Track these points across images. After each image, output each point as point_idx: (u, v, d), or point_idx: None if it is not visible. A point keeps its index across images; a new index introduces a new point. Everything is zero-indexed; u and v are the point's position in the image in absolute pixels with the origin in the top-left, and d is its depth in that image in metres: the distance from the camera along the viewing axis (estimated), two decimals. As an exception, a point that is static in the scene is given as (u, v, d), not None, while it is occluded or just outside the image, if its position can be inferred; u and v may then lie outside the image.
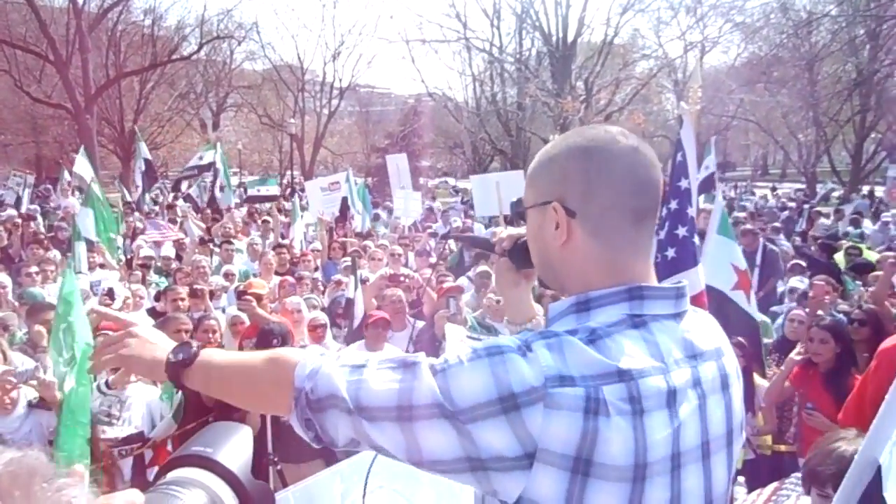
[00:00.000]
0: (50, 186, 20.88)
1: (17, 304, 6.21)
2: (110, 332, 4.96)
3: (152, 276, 7.91)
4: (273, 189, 15.25)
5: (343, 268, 7.52)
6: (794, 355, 4.54)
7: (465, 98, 32.41)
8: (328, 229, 9.92)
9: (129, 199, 14.98)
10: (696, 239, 4.17)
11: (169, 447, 4.54)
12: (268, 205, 14.33)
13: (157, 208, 14.40)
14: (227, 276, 7.65)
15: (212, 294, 6.67)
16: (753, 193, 28.36)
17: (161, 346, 1.29)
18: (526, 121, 27.44)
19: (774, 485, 2.77)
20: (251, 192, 15.06)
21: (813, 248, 10.27)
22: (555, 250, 1.17)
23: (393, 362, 1.07)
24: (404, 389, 1.02)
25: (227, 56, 34.87)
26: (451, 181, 36.81)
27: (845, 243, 10.54)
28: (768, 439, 4.56)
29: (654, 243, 1.20)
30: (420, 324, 5.83)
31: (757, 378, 4.69)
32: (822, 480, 2.10)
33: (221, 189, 13.51)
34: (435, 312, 5.55)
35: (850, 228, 13.92)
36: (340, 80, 35.44)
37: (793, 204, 20.77)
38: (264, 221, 11.44)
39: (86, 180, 11.70)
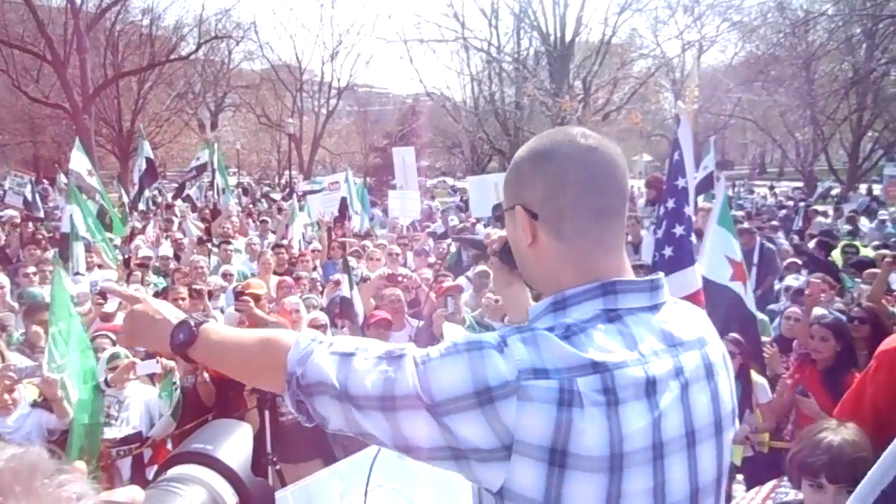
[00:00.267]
0: (48, 187, 20.84)
1: (15, 304, 6.21)
2: (109, 334, 4.97)
3: (150, 277, 7.91)
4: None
5: (341, 268, 7.52)
6: (787, 378, 4.59)
7: (464, 98, 32.43)
8: (327, 229, 9.92)
9: (125, 199, 14.95)
10: (694, 238, 4.18)
11: (169, 446, 4.54)
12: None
13: (154, 208, 14.39)
14: (226, 276, 7.64)
15: (210, 294, 6.67)
16: (752, 192, 28.38)
17: (166, 321, 1.31)
18: (524, 120, 27.44)
19: (773, 482, 2.78)
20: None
21: (810, 245, 10.28)
22: (526, 252, 1.21)
23: (380, 353, 1.10)
24: (388, 380, 1.05)
25: (226, 56, 34.85)
26: (450, 181, 36.80)
27: (843, 241, 10.57)
28: (766, 436, 4.57)
29: (622, 238, 1.20)
30: (418, 323, 5.84)
31: (755, 375, 4.70)
32: (815, 471, 2.12)
33: (222, 191, 13.48)
34: (433, 312, 5.55)
35: (846, 226, 13.95)
36: (338, 80, 35.47)
37: (790, 202, 20.81)
38: (262, 221, 11.44)
39: (83, 175, 11.66)
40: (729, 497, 3.20)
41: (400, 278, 6.74)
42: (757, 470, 4.46)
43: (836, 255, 9.17)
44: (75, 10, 23.16)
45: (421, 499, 2.60)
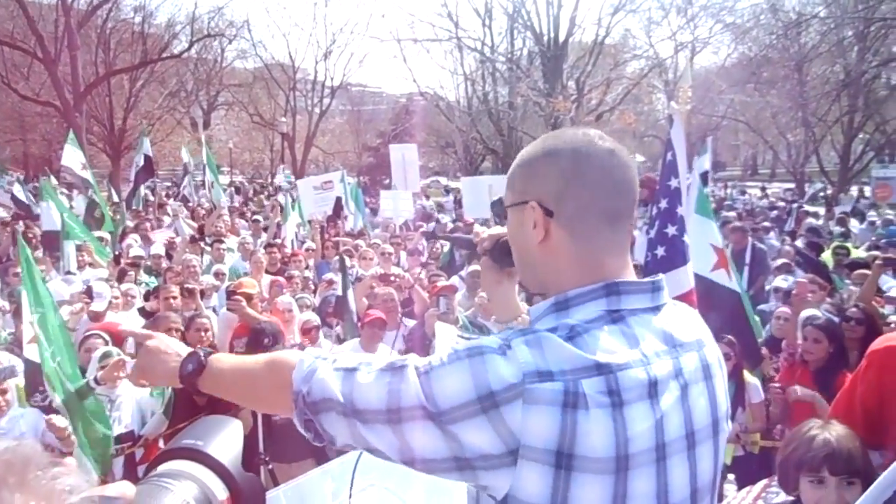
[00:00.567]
0: (38, 185, 20.72)
1: (5, 303, 6.17)
2: (101, 333, 4.94)
3: (142, 276, 7.88)
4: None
5: (335, 268, 7.51)
6: (777, 379, 4.63)
7: (457, 97, 32.42)
8: (320, 229, 9.91)
9: (115, 199, 14.88)
10: (686, 238, 4.19)
11: (161, 444, 4.53)
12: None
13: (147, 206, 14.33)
14: (218, 275, 7.62)
15: (202, 293, 6.65)
16: (744, 193, 28.50)
17: (175, 355, 1.34)
18: (517, 120, 27.46)
19: (764, 482, 2.79)
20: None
21: (799, 245, 10.33)
22: (533, 249, 1.20)
23: (383, 366, 1.10)
24: (392, 392, 1.06)
25: (218, 54, 34.74)
26: (443, 180, 36.76)
27: (836, 243, 10.61)
28: (757, 436, 4.60)
29: (629, 241, 1.22)
30: (411, 323, 5.84)
31: (747, 375, 4.72)
32: (816, 465, 2.12)
33: (210, 186, 13.42)
34: (426, 311, 5.56)
35: (836, 228, 14.03)
36: (332, 79, 35.35)
37: (782, 203, 20.90)
38: (254, 221, 11.41)
39: (75, 170, 11.57)
40: (720, 496, 3.20)
41: (392, 278, 6.74)
42: (748, 469, 4.48)
43: (827, 256, 9.22)
44: (66, 7, 23.03)
45: (413, 498, 2.60)
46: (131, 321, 6.01)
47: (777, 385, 4.58)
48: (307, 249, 9.12)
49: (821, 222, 14.93)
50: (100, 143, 27.73)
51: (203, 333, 5.04)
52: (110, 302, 5.93)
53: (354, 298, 6.10)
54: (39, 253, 8.31)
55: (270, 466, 4.17)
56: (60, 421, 3.85)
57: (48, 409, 4.03)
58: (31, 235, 9.65)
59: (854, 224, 14.93)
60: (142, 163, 14.45)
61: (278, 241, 9.76)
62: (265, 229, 10.78)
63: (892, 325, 5.00)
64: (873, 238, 12.39)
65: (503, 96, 29.20)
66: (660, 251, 4.09)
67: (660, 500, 1.06)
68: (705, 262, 4.78)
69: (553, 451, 0.98)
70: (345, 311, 6.11)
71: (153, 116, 29.73)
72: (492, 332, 4.65)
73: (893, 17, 19.14)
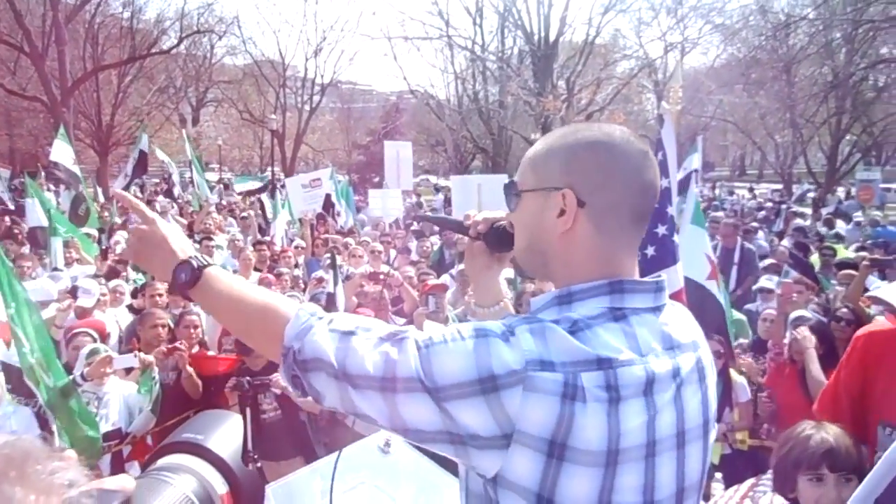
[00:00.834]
0: (25, 181, 20.55)
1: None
2: (88, 330, 4.91)
3: (130, 273, 7.82)
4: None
5: (325, 265, 7.49)
6: (765, 379, 4.66)
7: (447, 96, 32.45)
8: (310, 226, 9.89)
9: (101, 198, 14.78)
10: (676, 237, 4.21)
11: (149, 441, 4.51)
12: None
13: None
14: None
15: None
16: (732, 194, 28.67)
17: (170, 253, 1.28)
18: (508, 119, 27.51)
19: (751, 481, 2.80)
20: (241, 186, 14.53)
21: (786, 244, 10.41)
22: (552, 237, 1.18)
23: (382, 334, 1.09)
24: (389, 361, 1.05)
25: (208, 50, 34.59)
26: (433, 179, 36.80)
27: (828, 243, 10.69)
28: (745, 435, 4.63)
29: (640, 243, 1.23)
30: (401, 321, 5.84)
31: (734, 374, 4.75)
32: (815, 463, 2.13)
33: (190, 184, 13.37)
34: (415, 310, 5.56)
35: (824, 229, 14.14)
36: (322, 77, 35.26)
37: (769, 204, 21.03)
38: (243, 218, 11.37)
39: (66, 165, 11.46)
40: (707, 496, 3.23)
41: (382, 276, 6.73)
42: (735, 468, 4.51)
43: (816, 258, 9.29)
44: (54, 1, 22.82)
45: (403, 495, 2.60)
46: (120, 317, 5.97)
47: (765, 395, 4.62)
48: (296, 247, 9.10)
49: (808, 223, 15.05)
50: (87, 139, 27.52)
51: (192, 330, 5.02)
52: (98, 299, 5.89)
53: (344, 296, 6.09)
54: (26, 249, 8.24)
55: (259, 464, 4.15)
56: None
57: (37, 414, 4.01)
58: (16, 231, 9.59)
59: (840, 225, 15.05)
60: (137, 158, 14.37)
61: (267, 238, 9.73)
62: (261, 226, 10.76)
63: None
64: (861, 239, 12.51)
65: (493, 95, 29.23)
66: (650, 251, 4.10)
67: (646, 495, 1.06)
68: (700, 271, 4.81)
69: (547, 440, 0.99)
70: (332, 308, 6.10)
71: (142, 112, 29.55)
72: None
73: (881, 19, 19.28)
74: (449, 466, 2.34)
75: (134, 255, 1.37)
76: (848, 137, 28.54)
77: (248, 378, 4.41)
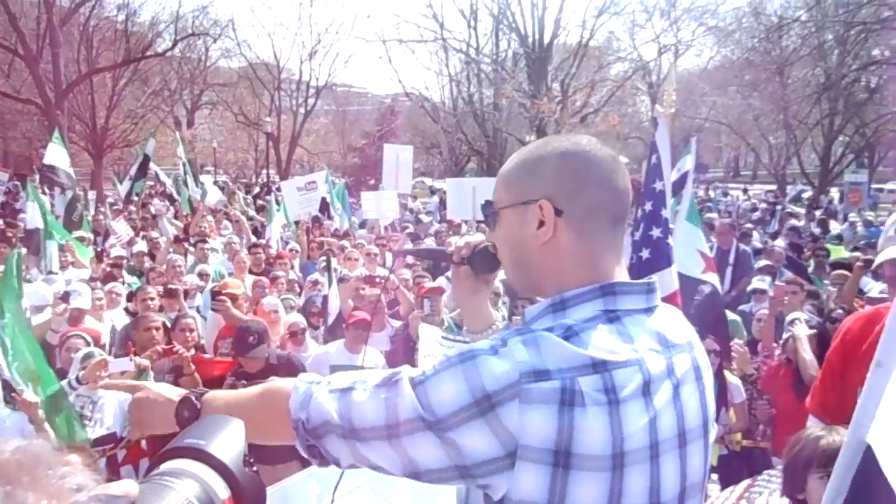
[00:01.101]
0: (18, 184, 20.46)
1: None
2: (82, 334, 4.89)
3: (125, 276, 7.81)
4: None
5: (321, 267, 7.48)
6: (758, 381, 4.67)
7: (442, 98, 32.39)
8: (305, 229, 9.88)
9: (91, 198, 14.74)
10: (670, 240, 4.22)
11: (143, 445, 4.49)
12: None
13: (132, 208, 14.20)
14: (202, 275, 7.57)
15: (186, 293, 6.60)
16: (727, 195, 28.76)
17: (167, 403, 1.31)
18: (502, 122, 27.54)
19: (747, 482, 2.82)
20: None
21: (780, 243, 10.45)
22: (533, 249, 1.19)
23: (377, 381, 1.10)
24: (390, 407, 1.05)
25: (203, 53, 34.45)
26: (428, 181, 36.77)
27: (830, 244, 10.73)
28: (739, 436, 4.64)
29: (623, 243, 1.25)
30: (398, 324, 5.84)
31: (729, 375, 4.76)
32: (826, 460, 2.13)
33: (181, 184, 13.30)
34: (411, 313, 5.56)
35: (818, 230, 14.19)
36: (317, 79, 35.21)
37: (763, 205, 21.09)
38: (237, 221, 11.35)
39: (63, 168, 11.41)
40: (704, 497, 3.23)
41: (377, 279, 6.73)
42: (731, 469, 4.52)
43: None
44: (48, 4, 22.77)
45: (400, 500, 2.60)
46: (117, 320, 5.95)
47: (764, 400, 4.63)
48: (291, 250, 9.09)
49: (802, 223, 15.11)
50: (81, 142, 27.44)
51: (188, 334, 5.01)
52: (94, 303, 5.88)
53: (340, 299, 6.08)
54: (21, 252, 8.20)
55: (255, 468, 4.15)
56: (31, 396, 3.83)
57: None
58: (10, 235, 9.55)
59: (834, 226, 15.11)
60: (141, 160, 14.35)
61: (263, 241, 9.71)
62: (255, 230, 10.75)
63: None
64: (854, 239, 12.57)
65: (488, 98, 29.25)
66: (644, 253, 4.11)
67: (652, 497, 1.07)
68: (694, 266, 4.82)
69: (551, 451, 0.99)
70: (327, 310, 6.09)
71: (136, 115, 29.48)
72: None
73: (873, 21, 19.39)
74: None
75: (137, 425, 1.38)
76: (841, 138, 28.66)
77: (243, 381, 4.40)
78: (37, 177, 14.42)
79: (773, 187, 30.46)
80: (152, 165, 14.89)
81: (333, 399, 1.11)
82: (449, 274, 7.18)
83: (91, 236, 10.19)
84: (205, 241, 8.85)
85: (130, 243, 9.79)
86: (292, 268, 8.20)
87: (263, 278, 7.01)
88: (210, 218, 11.72)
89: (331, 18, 69.79)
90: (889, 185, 29.37)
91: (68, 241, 8.54)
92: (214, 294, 5.51)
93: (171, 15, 30.33)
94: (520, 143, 24.81)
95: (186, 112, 35.97)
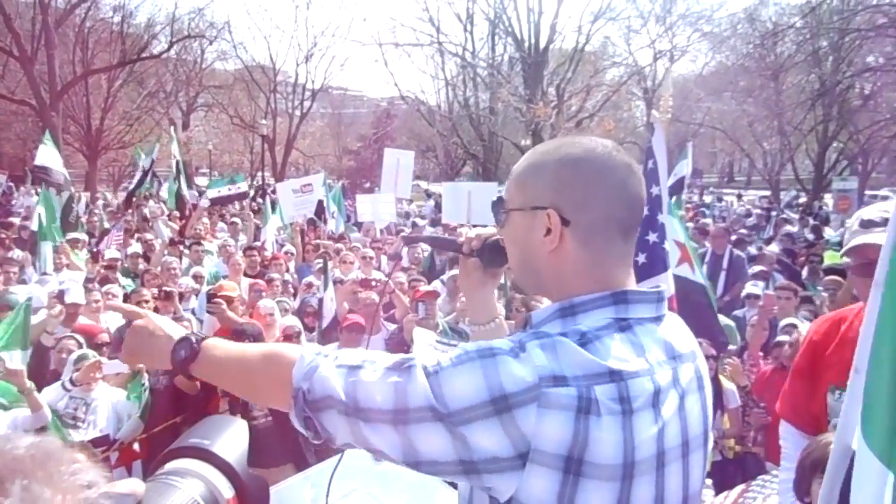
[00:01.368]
0: (11, 185, 20.40)
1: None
2: (75, 336, 4.89)
3: (120, 279, 7.78)
4: (242, 186, 14.52)
5: (316, 269, 7.48)
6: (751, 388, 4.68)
7: (438, 102, 32.47)
8: (300, 232, 9.87)
9: (83, 200, 14.71)
10: (667, 245, 4.24)
11: (136, 447, 4.48)
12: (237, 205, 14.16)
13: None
14: (197, 277, 7.56)
15: (181, 296, 6.59)
16: (721, 200, 28.86)
17: (165, 338, 1.29)
18: (498, 126, 27.59)
19: (741, 487, 2.83)
20: (213, 192, 14.30)
21: (775, 248, 10.49)
22: (541, 255, 1.18)
23: (389, 364, 1.08)
24: (399, 392, 1.03)
25: (198, 55, 34.40)
26: (424, 184, 36.81)
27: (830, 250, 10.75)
28: (732, 442, 4.65)
29: (633, 252, 1.23)
30: (393, 327, 5.83)
31: (724, 381, 4.77)
32: None
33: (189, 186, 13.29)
34: (405, 316, 5.55)
35: (811, 236, 14.24)
36: (313, 82, 35.21)
37: (758, 210, 21.17)
38: (232, 223, 11.33)
39: (56, 169, 11.34)
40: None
41: (373, 283, 6.73)
42: (725, 475, 4.53)
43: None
44: (44, 5, 22.72)
45: (396, 502, 2.60)
46: (114, 321, 5.94)
47: (761, 408, 4.65)
48: (286, 253, 9.08)
49: (796, 229, 15.17)
50: (76, 143, 27.39)
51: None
52: (91, 304, 5.87)
53: (335, 302, 6.08)
54: (14, 254, 8.18)
55: (250, 471, 4.14)
56: (16, 364, 3.82)
57: None
58: (3, 236, 9.51)
59: (829, 232, 15.16)
60: (147, 165, 14.35)
61: (258, 243, 9.69)
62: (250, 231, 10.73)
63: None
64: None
65: (484, 102, 29.29)
66: (641, 258, 4.12)
67: None
68: (671, 259, 4.83)
69: (563, 457, 0.98)
70: (322, 313, 6.10)
71: (131, 117, 29.44)
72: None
73: (868, 28, 19.50)
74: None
75: (130, 352, 1.36)
76: (835, 145, 28.76)
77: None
78: (29, 179, 14.35)
79: (768, 193, 30.58)
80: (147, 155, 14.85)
81: (340, 375, 1.08)
82: (444, 278, 7.24)
83: (86, 238, 10.15)
84: (200, 244, 8.84)
85: (125, 245, 9.75)
86: (287, 270, 8.19)
87: (260, 281, 7.00)
88: (206, 220, 11.70)
89: (327, 21, 69.92)
90: (883, 192, 29.51)
91: (62, 243, 8.51)
92: (210, 297, 5.51)
93: (167, 17, 30.38)
94: (515, 147, 24.89)
95: (182, 114, 35.92)
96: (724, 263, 8.12)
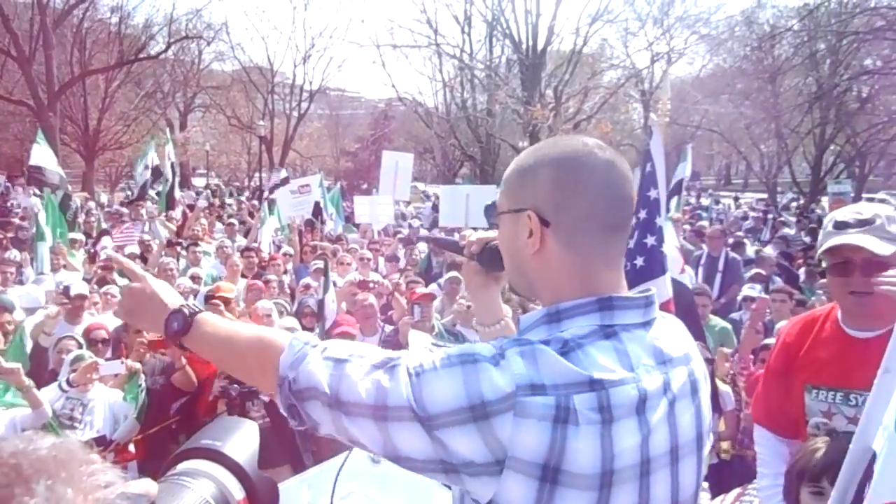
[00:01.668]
0: (9, 185, 20.37)
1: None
2: (75, 336, 4.87)
3: (117, 278, 7.77)
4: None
5: (313, 270, 7.47)
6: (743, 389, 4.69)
7: (436, 104, 32.42)
8: (298, 233, 9.86)
9: (77, 202, 14.66)
10: (665, 248, 4.24)
11: (131, 448, 4.48)
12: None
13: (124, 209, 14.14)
14: (194, 278, 7.55)
15: (180, 296, 6.57)
16: (718, 202, 28.91)
17: (161, 306, 1.30)
18: (496, 127, 27.55)
19: (737, 490, 2.83)
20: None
21: (770, 251, 10.50)
22: (527, 258, 1.18)
23: (375, 361, 1.09)
24: (381, 389, 1.04)
25: (196, 56, 34.41)
26: (421, 186, 36.82)
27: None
28: (727, 444, 4.66)
29: (623, 253, 1.22)
30: (389, 328, 5.83)
31: (719, 383, 4.78)
32: (817, 475, 2.14)
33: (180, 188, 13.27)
34: (402, 317, 5.56)
35: (808, 239, 14.26)
36: (310, 83, 35.27)
37: (754, 213, 21.20)
38: (229, 225, 11.32)
39: (51, 169, 11.32)
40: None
41: (371, 284, 6.73)
42: (721, 478, 4.53)
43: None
44: (42, 6, 22.73)
45: (393, 505, 2.60)
46: (114, 322, 5.93)
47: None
48: (284, 254, 9.07)
49: (793, 232, 15.19)
50: (73, 144, 27.35)
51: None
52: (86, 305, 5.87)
53: (335, 303, 6.08)
54: (11, 254, 8.18)
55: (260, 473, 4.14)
56: (12, 363, 3.82)
57: None
58: (0, 237, 9.50)
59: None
60: (151, 166, 14.34)
61: (255, 244, 9.69)
62: (246, 234, 10.72)
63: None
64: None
65: (481, 103, 29.27)
66: (639, 261, 4.13)
67: None
68: (675, 266, 4.85)
69: (540, 465, 0.98)
70: (320, 315, 6.09)
71: (129, 118, 29.41)
72: (468, 339, 4.67)
73: (865, 31, 19.53)
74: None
75: (126, 312, 1.37)
76: (832, 148, 28.82)
77: (235, 385, 4.39)
78: (23, 179, 14.32)
79: (765, 196, 30.62)
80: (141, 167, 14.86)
81: (326, 367, 1.09)
82: (441, 281, 7.24)
83: (83, 238, 10.14)
84: (197, 245, 8.83)
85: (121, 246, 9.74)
86: (285, 272, 8.19)
87: (258, 282, 7.00)
88: (203, 221, 11.69)
89: (325, 23, 70.00)
90: (880, 195, 29.57)
91: (59, 244, 8.50)
92: (207, 298, 5.51)
93: (165, 17, 30.34)
94: (513, 149, 24.86)
95: (179, 115, 35.94)
96: (720, 265, 8.13)
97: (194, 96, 36.53)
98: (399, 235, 11.47)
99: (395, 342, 5.32)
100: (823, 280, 7.13)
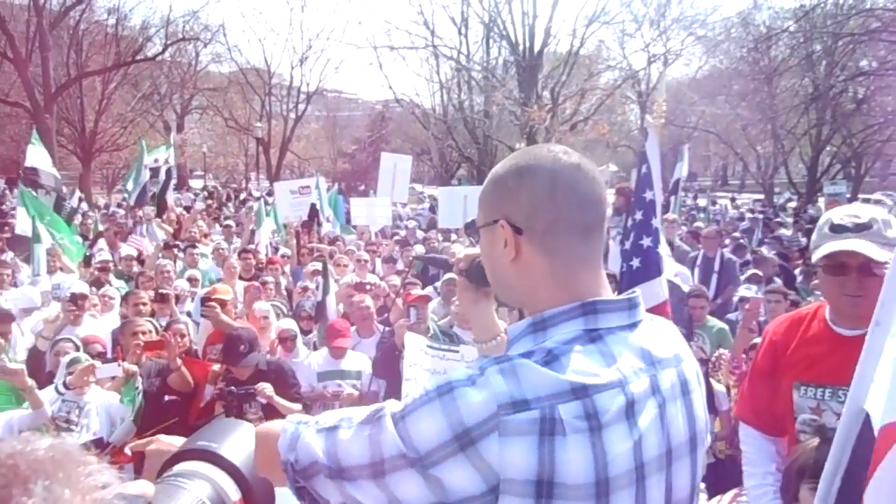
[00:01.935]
0: (6, 187, 20.34)
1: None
2: (72, 338, 4.86)
3: (113, 280, 7.77)
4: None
5: (310, 272, 7.47)
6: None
7: (433, 105, 32.43)
8: (295, 234, 9.86)
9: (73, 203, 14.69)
10: (661, 250, 4.25)
11: (127, 451, 4.47)
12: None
13: (122, 211, 14.15)
14: (192, 280, 7.55)
15: (177, 298, 6.58)
16: (715, 203, 28.96)
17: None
18: (493, 129, 27.57)
19: (734, 491, 2.83)
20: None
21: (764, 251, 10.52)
22: (506, 267, 1.19)
23: (362, 419, 1.08)
24: (374, 444, 1.03)
25: (193, 58, 34.42)
26: (419, 187, 36.82)
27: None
28: (723, 444, 4.67)
29: (601, 254, 1.22)
30: (386, 330, 5.84)
31: (714, 383, 4.79)
32: (816, 472, 2.13)
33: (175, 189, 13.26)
34: (398, 319, 5.56)
35: (804, 240, 14.29)
36: (308, 85, 35.31)
37: (751, 214, 21.23)
38: (226, 226, 11.32)
39: (46, 170, 11.28)
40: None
41: (368, 286, 6.73)
42: (718, 478, 4.54)
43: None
44: (38, 7, 22.70)
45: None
46: (112, 324, 5.94)
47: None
48: (282, 256, 9.07)
49: (790, 232, 15.22)
50: (70, 146, 27.32)
51: (180, 338, 5.01)
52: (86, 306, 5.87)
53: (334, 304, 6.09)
54: (6, 256, 8.17)
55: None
56: (16, 364, 3.81)
57: None
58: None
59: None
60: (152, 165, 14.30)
61: (252, 246, 9.68)
62: (239, 235, 10.72)
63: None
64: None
65: (479, 105, 29.32)
66: (635, 262, 4.14)
67: None
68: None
69: (533, 482, 0.96)
70: (321, 316, 6.09)
71: (126, 119, 29.38)
72: (464, 341, 4.67)
73: (861, 32, 19.59)
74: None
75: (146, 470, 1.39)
76: (828, 149, 28.89)
77: (233, 387, 4.40)
78: (20, 181, 14.30)
79: (761, 196, 30.68)
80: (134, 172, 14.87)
81: (320, 438, 1.09)
82: (437, 283, 7.23)
83: (80, 240, 10.13)
84: (194, 246, 8.83)
85: (114, 247, 9.72)
86: (283, 274, 8.19)
87: (256, 283, 7.00)
88: (201, 223, 11.69)
89: (322, 24, 69.94)
90: (876, 196, 29.65)
91: (55, 246, 8.49)
92: (204, 300, 5.51)
93: (162, 19, 30.41)
94: (510, 150, 24.79)
95: (176, 116, 35.93)
96: (716, 266, 8.13)
97: (191, 98, 36.52)
98: (396, 237, 11.48)
99: (391, 345, 5.33)
100: (816, 282, 7.16)
